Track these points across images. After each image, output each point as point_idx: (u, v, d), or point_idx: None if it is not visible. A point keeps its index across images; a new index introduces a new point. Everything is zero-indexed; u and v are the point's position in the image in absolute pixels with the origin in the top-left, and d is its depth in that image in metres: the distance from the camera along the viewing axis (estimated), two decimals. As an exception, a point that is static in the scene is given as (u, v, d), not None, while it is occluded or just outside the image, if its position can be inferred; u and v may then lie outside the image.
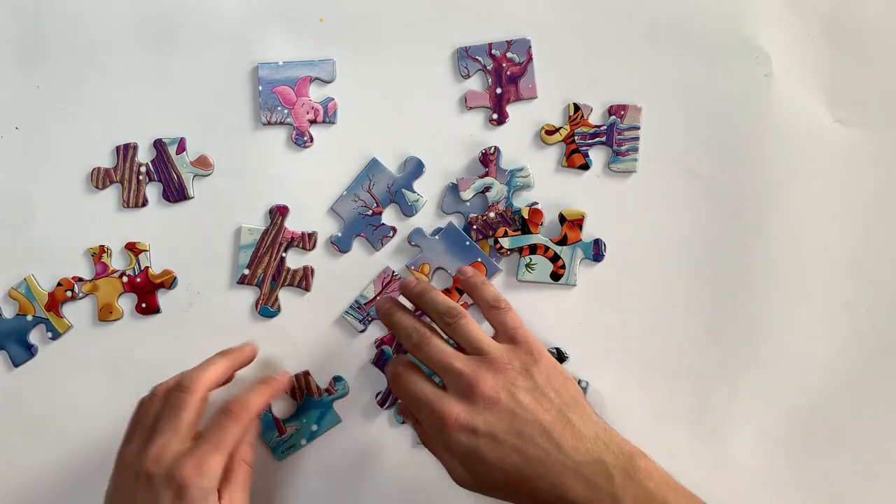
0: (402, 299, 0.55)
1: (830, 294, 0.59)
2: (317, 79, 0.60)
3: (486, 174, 0.59)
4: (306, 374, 0.59)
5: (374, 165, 0.60)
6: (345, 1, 0.60)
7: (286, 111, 0.60)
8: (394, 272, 0.59)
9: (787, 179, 0.59)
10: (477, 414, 0.48)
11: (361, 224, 0.60)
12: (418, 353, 0.51)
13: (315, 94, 0.60)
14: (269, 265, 0.60)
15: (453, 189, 0.59)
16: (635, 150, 0.59)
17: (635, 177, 0.59)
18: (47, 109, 0.61)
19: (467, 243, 0.59)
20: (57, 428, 0.60)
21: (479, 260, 0.59)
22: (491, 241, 0.59)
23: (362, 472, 0.59)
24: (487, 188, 0.59)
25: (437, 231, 0.59)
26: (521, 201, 0.59)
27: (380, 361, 0.59)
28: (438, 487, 0.58)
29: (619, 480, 0.46)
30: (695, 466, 0.58)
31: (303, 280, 0.59)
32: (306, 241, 0.60)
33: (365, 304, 0.59)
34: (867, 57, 0.59)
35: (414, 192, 0.60)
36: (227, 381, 0.55)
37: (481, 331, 0.51)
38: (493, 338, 0.52)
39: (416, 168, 0.60)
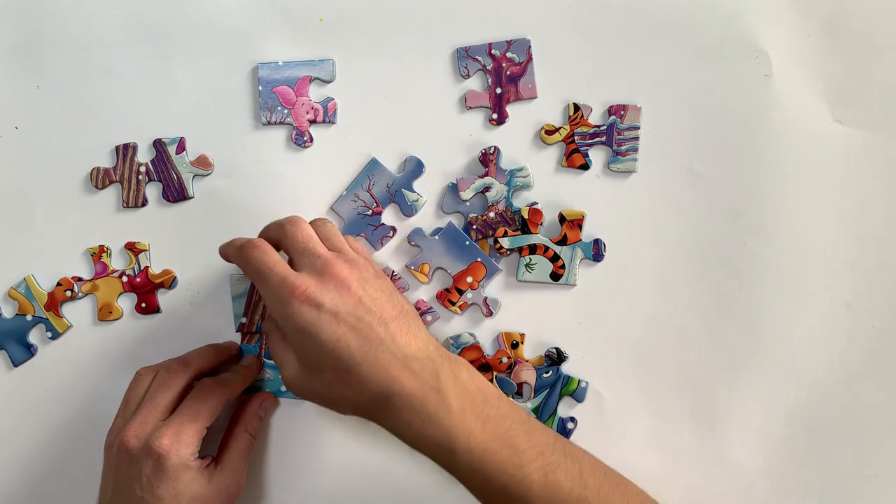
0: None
1: (830, 294, 0.59)
2: (317, 79, 0.60)
3: (486, 174, 0.59)
4: None
5: (373, 165, 0.60)
6: (345, 1, 0.60)
7: (286, 111, 0.60)
8: (394, 272, 0.59)
9: (787, 179, 0.59)
10: (325, 292, 0.48)
11: (361, 224, 0.60)
12: (283, 231, 0.52)
13: (315, 94, 0.60)
14: (266, 307, 0.59)
15: (453, 189, 0.59)
16: (635, 150, 0.59)
17: (635, 177, 0.59)
18: (47, 109, 0.61)
19: (467, 243, 0.59)
20: (57, 428, 0.60)
21: (479, 260, 0.59)
22: (491, 240, 0.59)
23: (361, 472, 0.59)
24: (487, 188, 0.59)
25: (437, 231, 0.59)
26: (520, 201, 0.59)
27: None
28: (438, 488, 0.58)
29: (446, 378, 0.47)
30: (695, 466, 0.58)
31: None
32: None
33: None
34: (867, 57, 0.59)
35: (414, 191, 0.60)
36: (211, 373, 0.57)
37: (344, 239, 0.54)
38: None
39: (415, 168, 0.60)
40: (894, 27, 0.58)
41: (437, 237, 0.59)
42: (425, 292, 0.59)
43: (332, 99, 0.60)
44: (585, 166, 0.59)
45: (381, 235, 0.60)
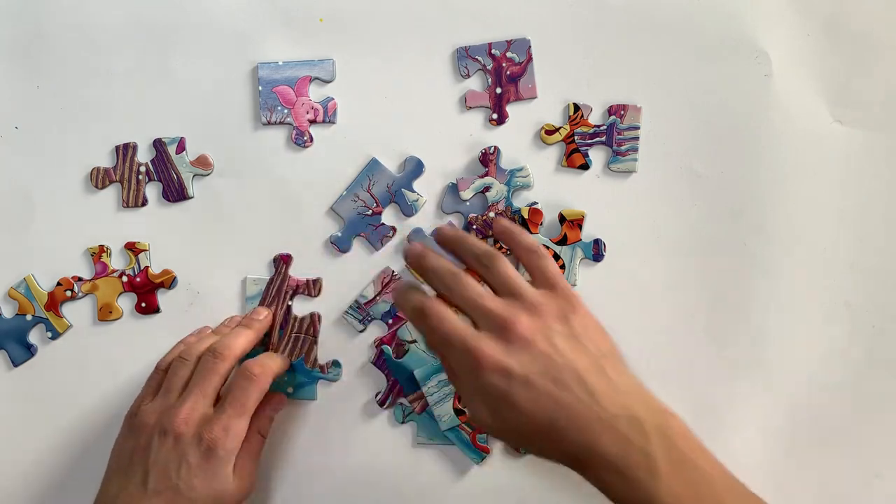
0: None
1: (830, 294, 0.59)
2: (317, 78, 0.60)
3: (486, 174, 0.59)
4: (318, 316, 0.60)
5: (373, 165, 0.60)
6: (345, 1, 0.60)
7: (286, 111, 0.60)
8: (394, 272, 0.59)
9: (787, 179, 0.59)
10: (512, 354, 0.45)
11: (361, 224, 0.60)
12: (451, 294, 0.48)
13: (315, 93, 0.60)
14: (276, 315, 0.60)
15: (453, 189, 0.59)
16: (635, 149, 0.59)
17: (635, 177, 0.59)
18: (47, 109, 0.61)
19: None
20: (57, 428, 0.60)
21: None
22: (491, 240, 0.59)
23: (361, 472, 0.59)
24: (487, 188, 0.59)
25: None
26: (520, 201, 0.59)
27: (379, 361, 0.59)
28: (439, 488, 0.58)
29: (654, 438, 0.44)
30: (695, 466, 0.58)
31: (310, 327, 0.59)
32: (311, 288, 0.60)
33: (365, 305, 0.59)
34: (867, 57, 0.58)
35: (414, 191, 0.60)
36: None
37: (519, 275, 0.49)
38: (531, 284, 0.49)
39: (415, 168, 0.60)
40: (894, 27, 0.58)
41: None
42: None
43: (332, 99, 0.60)
44: (585, 166, 0.59)
45: (381, 235, 0.60)
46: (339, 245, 0.60)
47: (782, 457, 0.58)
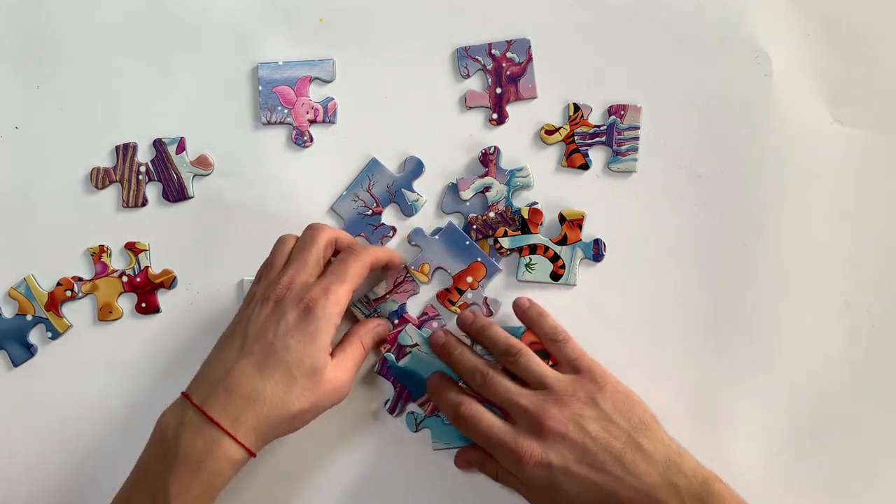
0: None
1: (830, 294, 0.59)
2: (317, 78, 0.60)
3: (486, 174, 0.59)
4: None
5: (373, 165, 0.60)
6: (345, 1, 0.60)
7: (286, 111, 0.60)
8: (407, 272, 0.59)
9: (787, 179, 0.59)
10: (549, 449, 0.49)
11: (361, 224, 0.60)
12: (484, 391, 0.53)
13: (315, 93, 0.60)
14: None
15: (453, 189, 0.59)
16: (635, 149, 0.59)
17: (635, 177, 0.59)
18: (47, 109, 0.61)
19: (467, 243, 0.59)
20: (57, 428, 0.60)
21: (479, 260, 0.59)
22: (490, 240, 0.59)
23: (370, 479, 0.59)
24: (487, 188, 0.59)
25: (437, 231, 0.59)
26: (520, 201, 0.59)
27: (383, 370, 0.58)
28: (448, 494, 0.58)
29: (689, 500, 0.48)
30: (695, 466, 0.58)
31: None
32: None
33: (374, 301, 0.59)
34: (867, 57, 0.59)
35: (414, 191, 0.60)
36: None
37: (543, 364, 0.53)
38: (556, 369, 0.54)
39: (416, 168, 0.60)
40: (894, 27, 0.58)
41: (437, 237, 0.59)
42: (425, 292, 0.59)
43: (332, 99, 0.60)
44: (585, 166, 0.59)
45: (380, 235, 0.60)
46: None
47: (782, 457, 0.58)
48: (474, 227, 0.59)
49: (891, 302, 0.58)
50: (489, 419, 0.52)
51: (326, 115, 0.60)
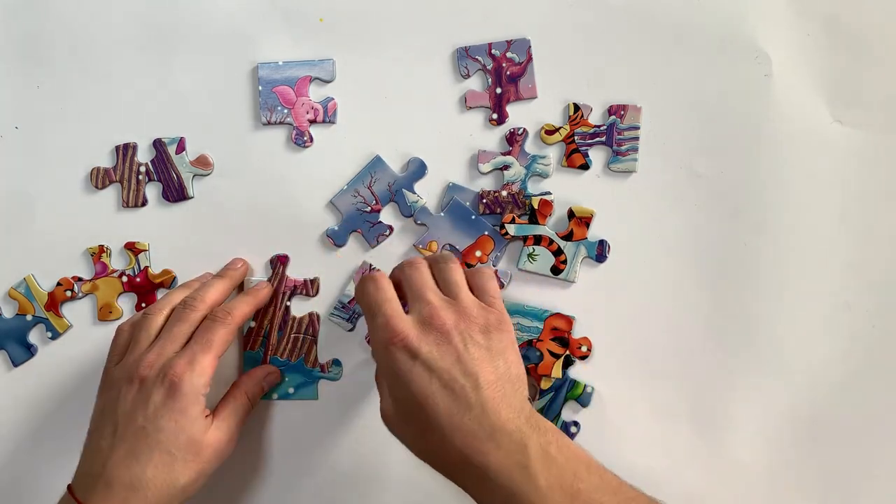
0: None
1: (830, 294, 0.59)
2: (317, 78, 0.60)
3: (509, 153, 0.59)
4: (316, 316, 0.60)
5: (376, 163, 0.60)
6: (345, 1, 0.60)
7: (286, 111, 0.60)
8: (371, 265, 0.59)
9: (787, 179, 0.59)
10: (424, 342, 0.48)
11: (359, 220, 0.60)
12: (402, 273, 0.52)
13: (315, 93, 0.60)
14: (275, 316, 0.60)
15: (453, 189, 0.59)
16: (635, 149, 0.59)
17: (635, 177, 0.59)
18: (47, 109, 0.61)
19: (473, 217, 0.59)
20: (57, 428, 0.60)
21: (487, 233, 0.59)
22: (497, 226, 0.59)
23: (368, 472, 0.59)
24: (506, 167, 0.59)
25: (443, 206, 0.59)
26: (535, 188, 0.59)
27: None
28: (444, 492, 0.58)
29: (534, 452, 0.45)
30: (695, 466, 0.58)
31: (309, 326, 0.59)
32: (309, 288, 0.60)
33: (349, 303, 0.59)
34: (867, 57, 0.59)
35: (414, 192, 0.60)
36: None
37: (465, 281, 0.52)
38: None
39: (418, 169, 0.59)
40: (894, 27, 0.58)
41: (442, 213, 0.59)
42: None
43: (333, 99, 0.60)
44: (585, 166, 0.59)
45: (377, 233, 0.60)
46: (336, 238, 0.60)
47: (782, 457, 0.58)
48: (484, 200, 0.59)
49: (891, 302, 0.58)
50: (388, 292, 0.50)
51: (326, 114, 0.60)
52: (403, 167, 0.60)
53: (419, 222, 0.59)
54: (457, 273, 0.52)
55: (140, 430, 0.49)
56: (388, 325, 0.48)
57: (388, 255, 0.60)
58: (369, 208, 0.60)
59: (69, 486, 0.50)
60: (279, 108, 0.60)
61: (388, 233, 0.60)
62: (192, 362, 0.51)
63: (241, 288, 0.59)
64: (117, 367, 0.53)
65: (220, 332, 0.52)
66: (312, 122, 0.60)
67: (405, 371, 0.47)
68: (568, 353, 0.58)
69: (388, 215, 0.60)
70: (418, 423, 0.47)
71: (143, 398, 0.50)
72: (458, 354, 0.48)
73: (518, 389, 0.49)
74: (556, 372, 0.58)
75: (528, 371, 0.57)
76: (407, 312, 0.50)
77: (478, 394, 0.46)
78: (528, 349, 0.59)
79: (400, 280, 0.52)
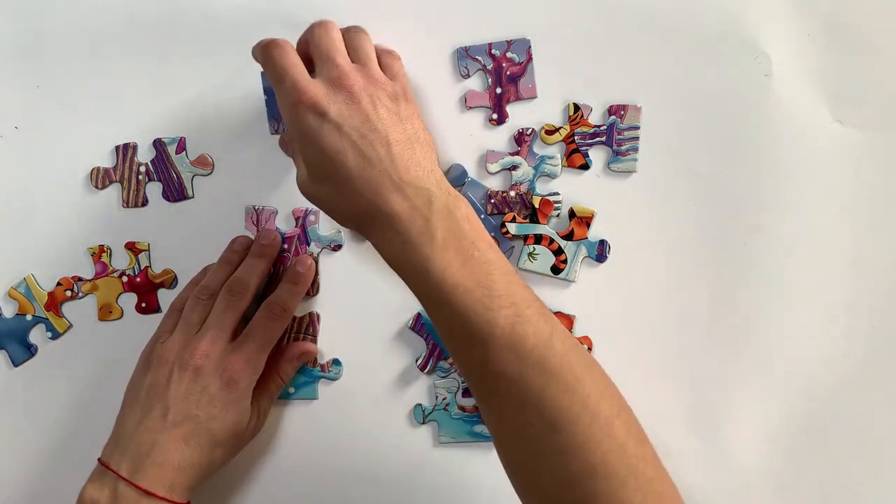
0: None
1: (830, 294, 0.59)
2: None
3: (518, 153, 0.59)
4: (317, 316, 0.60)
5: None
6: (345, 1, 0.60)
7: None
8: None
9: (787, 179, 0.59)
10: (333, 102, 0.48)
11: None
12: (311, 35, 0.52)
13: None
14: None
15: (470, 185, 0.59)
16: (635, 149, 0.59)
17: (635, 176, 0.59)
18: (47, 109, 0.61)
19: (482, 216, 0.59)
20: (57, 427, 0.60)
21: (493, 235, 0.59)
22: (500, 219, 0.59)
23: (370, 472, 0.59)
24: (515, 167, 0.59)
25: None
26: (543, 188, 0.59)
27: (417, 326, 0.59)
28: (444, 492, 0.58)
29: (437, 210, 0.47)
30: (695, 466, 0.58)
31: (309, 326, 0.59)
32: (309, 288, 0.60)
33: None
34: (867, 57, 0.59)
35: None
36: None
37: (374, 54, 0.53)
38: None
39: (459, 176, 0.59)
40: (894, 27, 0.58)
41: None
42: None
43: None
44: (585, 166, 0.59)
45: None
46: None
47: (782, 457, 0.58)
48: (492, 201, 0.59)
49: (891, 302, 0.58)
50: (294, 57, 0.50)
51: None
52: (444, 172, 0.59)
53: None
54: (367, 43, 0.53)
55: (194, 418, 0.52)
56: (297, 86, 0.49)
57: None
58: None
59: (102, 462, 0.52)
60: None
61: None
62: (249, 360, 0.53)
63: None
64: (167, 348, 0.54)
65: (277, 331, 0.55)
66: None
67: (315, 129, 0.48)
68: None
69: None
70: (331, 180, 0.48)
71: (198, 388, 0.52)
72: (367, 114, 0.48)
73: (427, 153, 0.50)
74: None
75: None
76: (313, 76, 0.50)
77: (388, 150, 0.48)
78: None
79: (307, 40, 0.52)
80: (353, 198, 0.48)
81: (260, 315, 0.56)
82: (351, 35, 0.53)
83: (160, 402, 0.52)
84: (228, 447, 0.54)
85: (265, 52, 0.51)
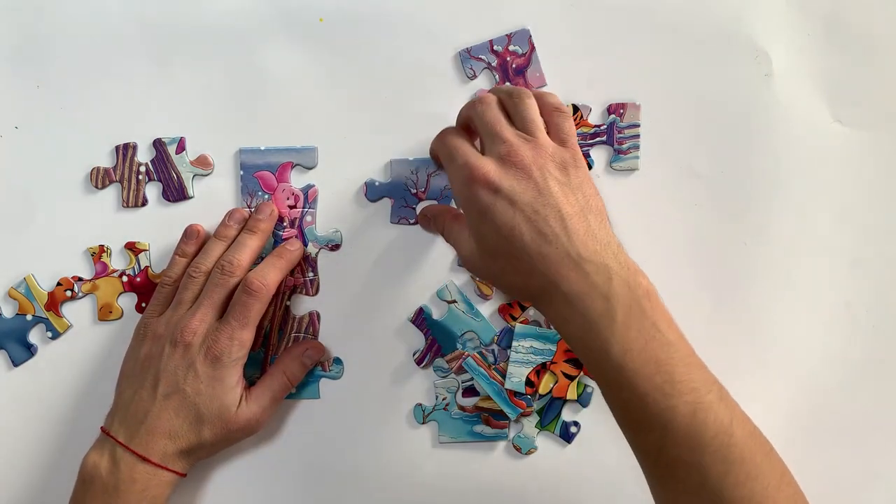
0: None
1: (830, 294, 0.59)
2: (298, 165, 0.60)
3: None
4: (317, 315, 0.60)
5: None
6: (345, 1, 0.60)
7: (267, 196, 0.60)
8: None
9: (787, 179, 0.59)
10: (505, 177, 0.48)
11: (399, 191, 0.60)
12: (473, 111, 0.52)
13: (296, 180, 0.60)
14: (275, 316, 0.59)
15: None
16: (636, 147, 0.59)
17: (637, 175, 0.59)
18: (47, 109, 0.60)
19: None
20: (57, 427, 0.60)
21: None
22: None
23: (371, 471, 0.59)
24: None
25: None
26: None
27: (418, 320, 0.59)
28: (445, 492, 0.58)
29: (617, 287, 0.45)
30: (696, 466, 0.58)
31: (309, 326, 0.59)
32: (309, 287, 0.60)
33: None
34: (867, 57, 0.59)
35: None
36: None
37: (541, 121, 0.51)
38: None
39: None
40: (894, 27, 0.59)
41: None
42: (488, 307, 0.59)
43: (313, 185, 0.60)
44: (588, 166, 0.59)
45: (403, 215, 0.59)
46: (369, 190, 0.59)
47: (782, 456, 0.58)
48: None
49: (891, 302, 0.59)
50: (464, 139, 0.51)
51: (307, 201, 0.59)
52: None
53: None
54: (533, 110, 0.51)
55: (181, 392, 0.54)
56: (468, 164, 0.49)
57: (391, 241, 0.60)
58: (415, 190, 0.60)
59: (104, 430, 0.55)
60: (260, 192, 0.60)
61: (412, 221, 0.59)
62: (231, 337, 0.54)
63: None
64: (161, 323, 0.56)
65: (256, 308, 0.55)
66: (293, 207, 0.60)
67: (488, 205, 0.48)
68: (583, 373, 0.58)
69: (420, 206, 0.60)
70: (504, 256, 0.48)
71: (186, 363, 0.54)
72: (539, 188, 0.48)
73: (601, 223, 0.49)
74: (572, 394, 0.58)
75: (528, 381, 0.58)
76: (482, 153, 0.50)
77: (562, 224, 0.47)
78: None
79: (470, 118, 0.52)
80: (529, 273, 0.47)
81: (239, 291, 0.55)
82: (515, 103, 0.52)
83: (152, 374, 0.54)
84: (217, 429, 0.54)
85: (438, 137, 0.53)
